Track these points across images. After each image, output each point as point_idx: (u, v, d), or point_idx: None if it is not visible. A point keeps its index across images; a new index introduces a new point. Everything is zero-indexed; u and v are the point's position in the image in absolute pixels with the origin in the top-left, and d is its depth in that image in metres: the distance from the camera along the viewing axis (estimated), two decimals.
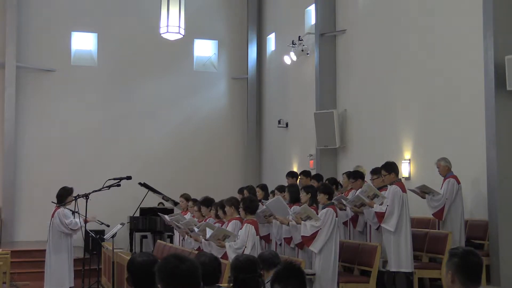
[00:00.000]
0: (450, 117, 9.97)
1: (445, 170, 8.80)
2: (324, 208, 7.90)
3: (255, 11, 17.84)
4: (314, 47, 13.98)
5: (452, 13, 10.05)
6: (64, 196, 9.48)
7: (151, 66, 17.21)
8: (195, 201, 10.22)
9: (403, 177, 9.99)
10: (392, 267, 8.08)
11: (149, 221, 13.90)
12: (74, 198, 9.42)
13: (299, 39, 14.48)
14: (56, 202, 9.56)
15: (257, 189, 10.15)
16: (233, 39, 18.08)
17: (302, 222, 7.86)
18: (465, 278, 3.30)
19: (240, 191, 10.35)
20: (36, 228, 15.02)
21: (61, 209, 9.36)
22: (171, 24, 13.43)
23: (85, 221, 9.33)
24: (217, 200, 9.34)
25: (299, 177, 10.90)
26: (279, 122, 16.04)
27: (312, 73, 14.12)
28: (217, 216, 8.94)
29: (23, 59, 16.11)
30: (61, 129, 16.30)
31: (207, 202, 9.52)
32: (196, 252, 7.89)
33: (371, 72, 12.37)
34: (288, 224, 8.29)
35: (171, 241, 12.11)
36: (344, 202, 8.83)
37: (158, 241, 11.71)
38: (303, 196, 8.31)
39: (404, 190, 8.25)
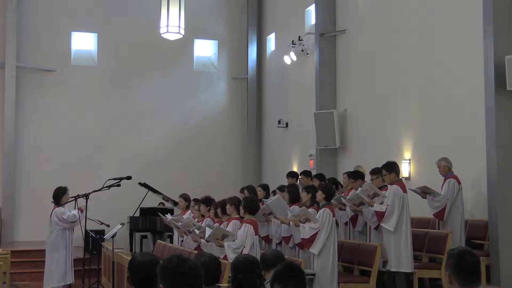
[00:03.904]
0: (450, 117, 9.97)
1: (446, 170, 8.81)
2: (321, 208, 7.91)
3: (255, 11, 17.84)
4: (314, 47, 13.98)
5: (452, 13, 10.05)
6: (59, 196, 9.58)
7: (151, 66, 17.20)
8: (196, 200, 10.23)
9: (403, 177, 9.99)
10: (392, 267, 8.08)
11: (149, 221, 13.89)
12: (73, 198, 9.49)
13: (299, 39, 14.48)
14: (54, 202, 9.63)
15: (259, 189, 10.16)
16: (233, 39, 18.08)
17: (301, 224, 7.87)
18: (462, 278, 3.30)
19: (241, 191, 10.36)
20: (36, 228, 15.00)
21: (58, 208, 9.47)
22: (171, 24, 13.43)
23: (80, 210, 9.42)
24: (217, 200, 9.35)
25: (300, 177, 10.91)
26: (279, 122, 16.03)
27: (312, 73, 14.12)
28: (216, 216, 8.94)
29: (23, 59, 16.11)
30: (61, 129, 16.30)
31: (207, 201, 9.52)
32: (196, 252, 7.88)
33: (371, 72, 12.37)
34: (288, 224, 8.30)
35: (171, 241, 12.11)
36: (343, 201, 8.84)
37: (158, 241, 11.71)
38: (304, 196, 8.32)
39: (404, 190, 8.26)
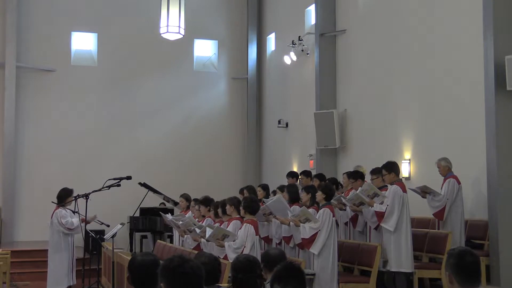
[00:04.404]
0: (450, 117, 9.97)
1: (446, 170, 8.81)
2: (321, 208, 7.91)
3: (255, 11, 17.84)
4: (314, 47, 13.98)
5: (452, 13, 10.06)
6: (63, 197, 9.53)
7: (151, 66, 17.20)
8: (196, 200, 10.23)
9: (403, 177, 9.99)
10: (392, 267, 8.08)
11: (149, 221, 13.89)
12: (74, 198, 9.46)
13: (299, 39, 14.48)
14: (56, 202, 9.59)
15: (259, 189, 10.16)
16: (233, 39, 18.08)
17: (301, 224, 7.87)
18: (462, 279, 3.30)
19: (241, 191, 10.36)
20: (36, 228, 15.01)
21: (59, 210, 9.42)
22: (171, 24, 13.42)
23: (84, 221, 9.35)
24: (217, 200, 9.35)
25: (300, 177, 10.90)
26: (279, 122, 16.03)
27: (312, 73, 14.12)
28: (216, 216, 8.95)
29: (23, 59, 16.11)
30: (61, 129, 16.30)
31: (206, 201, 9.52)
32: (195, 252, 7.89)
33: (371, 72, 12.37)
34: (288, 224, 8.29)
35: (171, 241, 12.11)
36: (343, 201, 8.84)
37: (158, 241, 11.71)
38: (304, 196, 8.32)
39: (404, 190, 8.26)
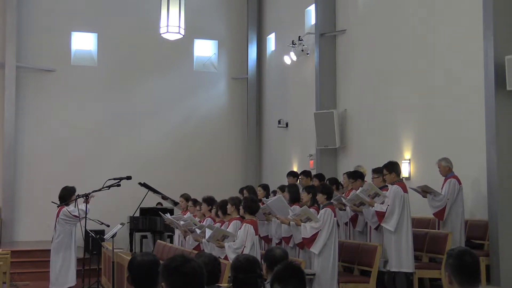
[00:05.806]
0: (450, 117, 9.97)
1: (446, 170, 8.81)
2: (323, 208, 7.91)
3: (255, 11, 17.84)
4: (314, 47, 13.98)
5: (452, 13, 10.06)
6: (67, 196, 9.50)
7: (151, 66, 17.21)
8: (195, 201, 10.23)
9: (403, 177, 9.98)
10: (393, 267, 8.09)
11: (149, 221, 13.90)
12: (75, 198, 9.45)
13: (299, 39, 14.47)
14: (58, 203, 9.56)
15: (259, 188, 10.17)
16: (233, 39, 18.08)
17: (302, 224, 7.87)
18: (462, 279, 3.30)
19: (241, 191, 10.36)
20: (36, 228, 15.02)
21: (65, 208, 9.40)
22: (171, 24, 13.43)
23: (87, 202, 9.31)
24: (217, 200, 9.35)
25: (300, 177, 10.90)
26: (279, 122, 16.04)
27: (312, 73, 14.12)
28: (217, 215, 8.95)
29: (23, 59, 16.11)
30: (61, 129, 16.30)
31: (210, 200, 9.52)
32: (196, 252, 7.89)
33: (371, 72, 12.37)
34: (289, 224, 8.30)
35: (171, 241, 12.12)
36: (344, 201, 8.84)
37: (158, 241, 11.72)
38: (304, 196, 8.32)
39: (405, 190, 8.26)
